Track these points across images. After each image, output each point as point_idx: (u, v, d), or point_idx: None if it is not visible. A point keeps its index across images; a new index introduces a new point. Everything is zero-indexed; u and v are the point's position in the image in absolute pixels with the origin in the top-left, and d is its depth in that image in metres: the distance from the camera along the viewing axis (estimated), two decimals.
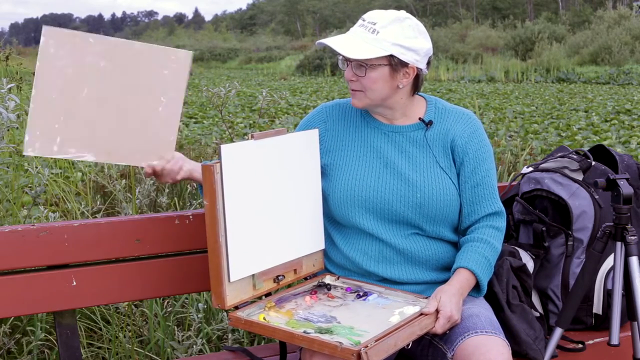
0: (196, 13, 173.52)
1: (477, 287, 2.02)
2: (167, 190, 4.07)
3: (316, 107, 2.21)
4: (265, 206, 1.94)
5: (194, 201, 4.12)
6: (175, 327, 2.98)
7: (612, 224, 2.11)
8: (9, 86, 2.99)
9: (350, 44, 1.95)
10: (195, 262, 2.18)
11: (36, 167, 3.32)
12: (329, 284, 2.08)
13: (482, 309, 1.97)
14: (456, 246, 2.10)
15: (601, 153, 2.54)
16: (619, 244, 2.10)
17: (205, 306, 3.00)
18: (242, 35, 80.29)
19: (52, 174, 4.37)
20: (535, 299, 2.36)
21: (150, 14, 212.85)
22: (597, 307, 2.35)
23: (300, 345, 1.79)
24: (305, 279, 2.13)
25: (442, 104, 2.13)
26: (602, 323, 2.34)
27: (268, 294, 2.01)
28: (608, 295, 2.32)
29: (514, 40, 36.18)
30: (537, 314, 2.29)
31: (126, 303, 2.98)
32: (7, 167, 3.89)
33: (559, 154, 2.52)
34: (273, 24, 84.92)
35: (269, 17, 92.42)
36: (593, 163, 2.43)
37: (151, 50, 1.92)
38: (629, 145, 8.87)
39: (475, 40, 40.27)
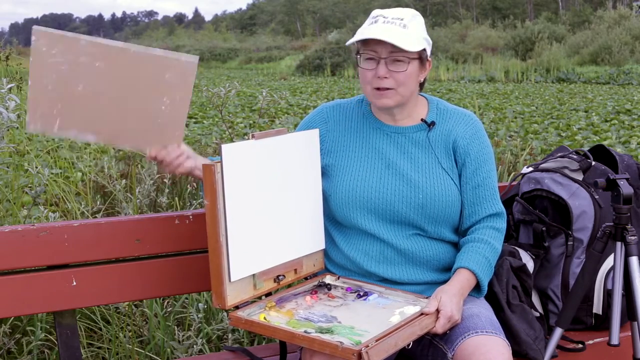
0: (196, 13, 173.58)
1: (477, 288, 2.02)
2: (167, 190, 4.06)
3: (316, 108, 2.21)
4: (266, 206, 1.94)
5: (194, 201, 4.12)
6: (176, 327, 2.98)
7: (612, 224, 2.11)
8: (9, 86, 2.99)
9: (399, 38, 1.90)
10: (195, 262, 2.18)
11: (36, 167, 3.32)
12: (329, 284, 2.08)
13: (483, 309, 1.97)
14: (456, 247, 2.10)
15: (601, 153, 2.53)
16: (619, 244, 2.10)
17: (206, 306, 2.99)
18: (242, 35, 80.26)
19: (52, 174, 4.37)
20: (535, 299, 2.36)
21: (150, 14, 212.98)
22: (597, 307, 2.35)
23: (300, 345, 1.79)
24: (306, 278, 2.13)
25: (443, 105, 2.13)
26: (602, 323, 2.34)
27: (268, 294, 2.01)
28: (608, 295, 2.32)
29: (514, 40, 36.17)
30: (537, 314, 2.29)
31: (126, 303, 2.98)
32: (7, 167, 3.90)
33: (559, 154, 2.52)
34: (273, 24, 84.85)
35: (269, 17, 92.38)
36: (593, 163, 2.42)
37: (149, 57, 1.80)
38: (629, 145, 8.87)
39: (475, 40, 40.26)
